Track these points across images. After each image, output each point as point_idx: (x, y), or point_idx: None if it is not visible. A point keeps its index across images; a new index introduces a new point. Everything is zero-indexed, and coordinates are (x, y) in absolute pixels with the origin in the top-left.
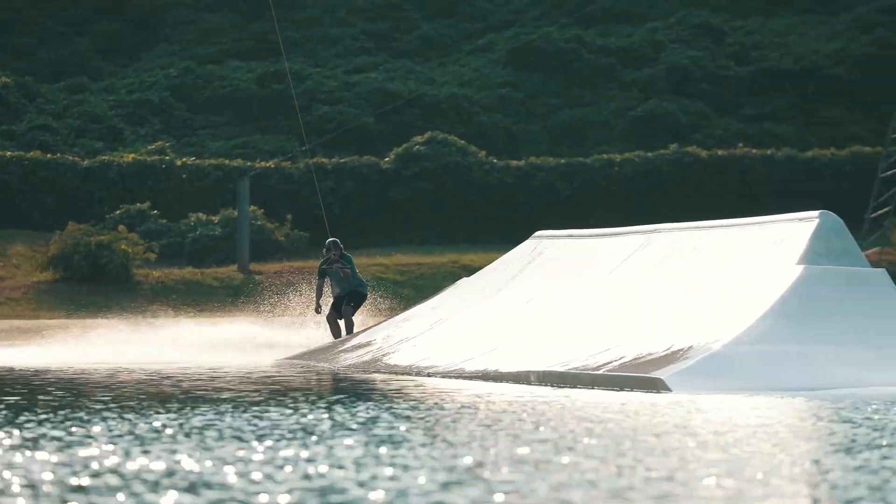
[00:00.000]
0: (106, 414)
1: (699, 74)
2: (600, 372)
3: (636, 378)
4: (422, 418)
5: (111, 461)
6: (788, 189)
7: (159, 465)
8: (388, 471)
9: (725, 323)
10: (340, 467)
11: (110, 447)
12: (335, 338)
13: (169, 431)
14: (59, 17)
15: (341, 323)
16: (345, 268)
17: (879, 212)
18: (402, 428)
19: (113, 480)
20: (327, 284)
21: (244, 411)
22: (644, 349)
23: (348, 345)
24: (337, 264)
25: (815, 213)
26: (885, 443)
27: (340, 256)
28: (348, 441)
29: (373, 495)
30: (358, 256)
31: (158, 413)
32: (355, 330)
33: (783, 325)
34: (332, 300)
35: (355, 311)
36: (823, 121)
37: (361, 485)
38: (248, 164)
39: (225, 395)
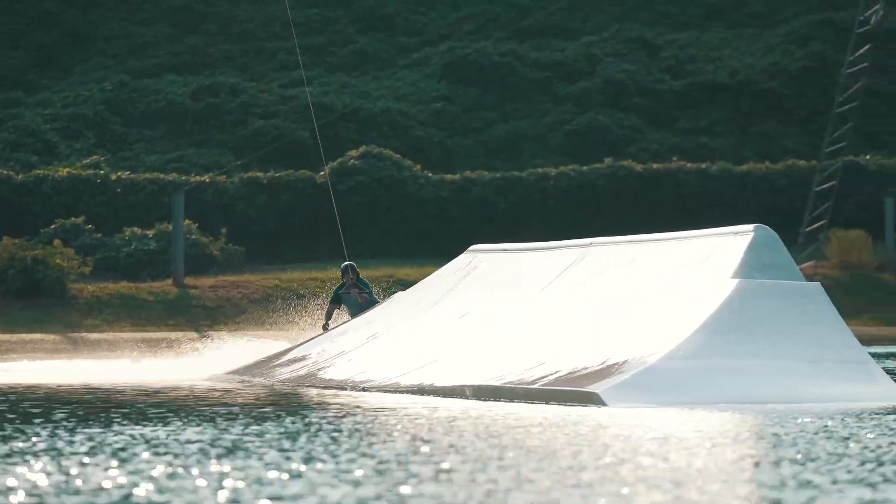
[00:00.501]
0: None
1: (634, 88)
2: (535, 386)
3: (571, 392)
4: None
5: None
6: (723, 203)
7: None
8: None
9: (660, 337)
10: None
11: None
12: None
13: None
14: None
15: None
16: (363, 292)
17: (814, 225)
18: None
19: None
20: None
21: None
22: (579, 363)
23: (284, 359)
24: (354, 289)
25: (750, 226)
26: (799, 456)
27: (357, 281)
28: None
29: None
30: (293, 271)
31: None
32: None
33: (718, 339)
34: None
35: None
36: (758, 134)
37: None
38: (183, 178)
39: (124, 410)
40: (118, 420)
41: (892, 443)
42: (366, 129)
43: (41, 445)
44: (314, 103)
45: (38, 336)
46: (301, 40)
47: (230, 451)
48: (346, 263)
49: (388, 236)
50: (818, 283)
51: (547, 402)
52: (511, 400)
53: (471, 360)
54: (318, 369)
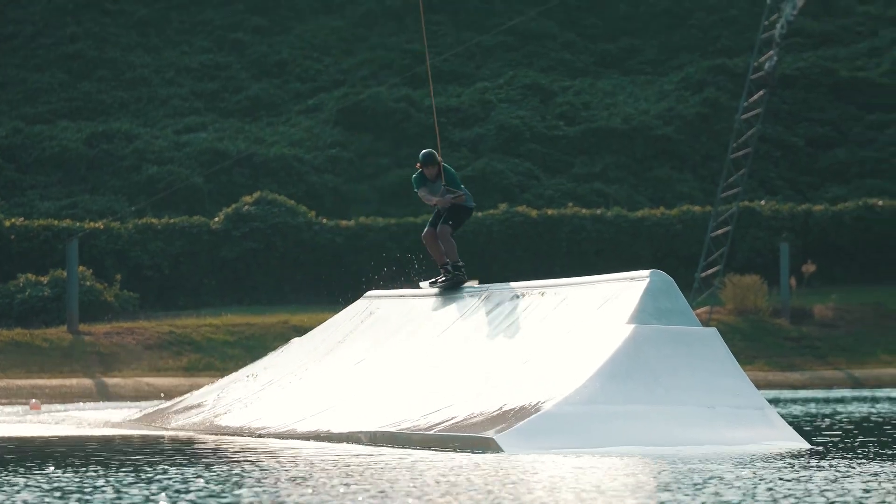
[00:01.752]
0: None
1: (529, 134)
2: (432, 432)
3: (467, 438)
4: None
5: None
6: (619, 248)
7: None
8: None
9: (556, 382)
10: None
11: None
12: (438, 261)
13: None
14: None
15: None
16: (457, 195)
17: (709, 270)
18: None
19: None
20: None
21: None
22: (476, 408)
23: (180, 406)
24: (443, 191)
25: (646, 272)
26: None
27: (438, 174)
28: None
29: None
30: (188, 317)
31: None
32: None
33: (614, 384)
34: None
35: (455, 230)
36: (653, 180)
37: None
38: (77, 224)
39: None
40: None
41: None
42: (260, 174)
43: None
44: (208, 149)
45: None
46: (194, 86)
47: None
48: (425, 152)
49: (283, 282)
50: (714, 328)
51: (443, 449)
52: (406, 446)
53: (368, 406)
54: (214, 416)
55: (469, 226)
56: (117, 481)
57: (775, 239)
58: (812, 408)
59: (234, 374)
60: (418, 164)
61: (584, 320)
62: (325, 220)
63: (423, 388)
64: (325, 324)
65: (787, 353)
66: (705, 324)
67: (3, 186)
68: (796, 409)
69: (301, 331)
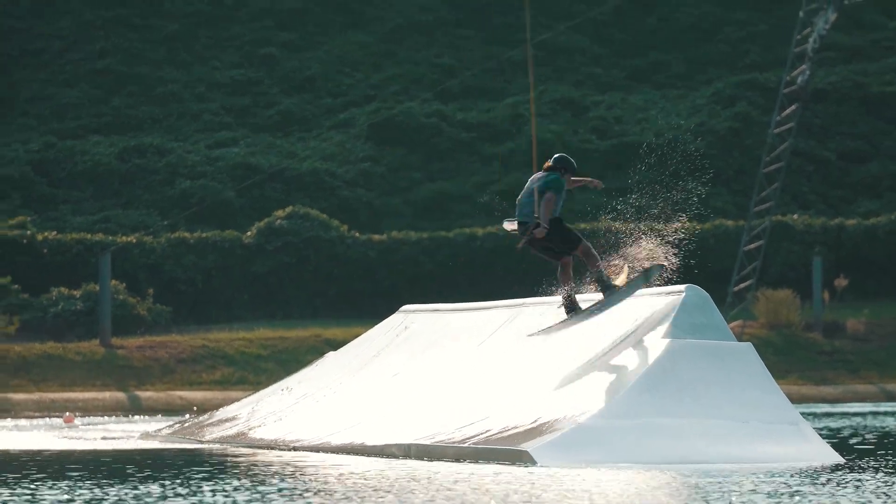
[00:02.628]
0: None
1: (560, 148)
2: (466, 445)
3: (502, 451)
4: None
5: None
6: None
7: None
8: None
9: (592, 396)
10: None
11: None
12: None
13: None
14: None
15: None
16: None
17: (742, 285)
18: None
19: None
20: None
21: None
22: (511, 422)
23: (214, 419)
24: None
25: (682, 287)
26: None
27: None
28: None
29: None
30: (220, 331)
31: None
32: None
33: (649, 398)
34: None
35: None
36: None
37: None
38: (110, 238)
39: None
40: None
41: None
42: (292, 189)
43: None
44: (240, 164)
45: None
46: (225, 101)
47: None
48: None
49: (315, 296)
50: (749, 343)
51: (477, 461)
52: (441, 459)
53: (402, 418)
54: (249, 429)
55: (501, 240)
56: (160, 496)
57: (808, 253)
58: (846, 422)
59: (267, 387)
60: (559, 170)
61: (620, 334)
62: (357, 235)
63: (458, 400)
64: (359, 338)
65: (820, 367)
66: (738, 338)
67: (36, 201)
68: (831, 424)
69: (334, 345)
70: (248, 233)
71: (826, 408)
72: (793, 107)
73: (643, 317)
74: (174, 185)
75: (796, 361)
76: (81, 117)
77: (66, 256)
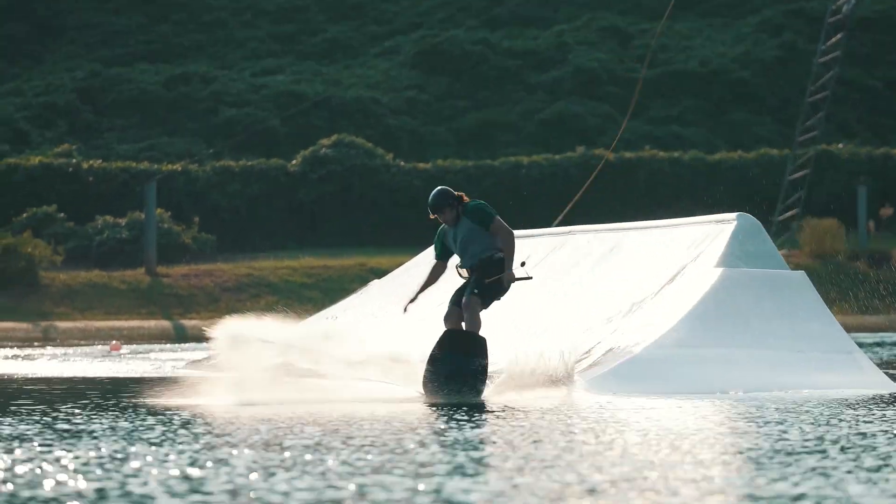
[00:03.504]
0: None
1: (606, 77)
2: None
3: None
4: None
5: None
6: (696, 191)
7: None
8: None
9: (645, 326)
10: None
11: None
12: None
13: None
14: None
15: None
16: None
17: (787, 214)
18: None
19: None
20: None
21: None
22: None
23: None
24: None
25: (733, 214)
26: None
27: (457, 217)
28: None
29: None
30: (265, 259)
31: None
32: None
33: (703, 328)
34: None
35: (485, 306)
36: (731, 123)
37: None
38: (155, 166)
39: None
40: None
41: (883, 430)
42: (337, 117)
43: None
44: (285, 92)
45: (8, 325)
46: (271, 29)
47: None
48: (437, 191)
49: (360, 225)
50: (802, 271)
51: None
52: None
53: None
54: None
55: (546, 169)
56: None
57: (853, 182)
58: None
59: (312, 315)
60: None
61: (671, 263)
62: (402, 163)
63: (509, 330)
64: (404, 266)
65: (865, 296)
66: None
67: (81, 129)
68: (883, 354)
69: (378, 273)
70: (293, 161)
71: (874, 337)
72: (838, 35)
73: (694, 245)
74: (219, 113)
75: (841, 291)
76: (129, 44)
77: (111, 185)
